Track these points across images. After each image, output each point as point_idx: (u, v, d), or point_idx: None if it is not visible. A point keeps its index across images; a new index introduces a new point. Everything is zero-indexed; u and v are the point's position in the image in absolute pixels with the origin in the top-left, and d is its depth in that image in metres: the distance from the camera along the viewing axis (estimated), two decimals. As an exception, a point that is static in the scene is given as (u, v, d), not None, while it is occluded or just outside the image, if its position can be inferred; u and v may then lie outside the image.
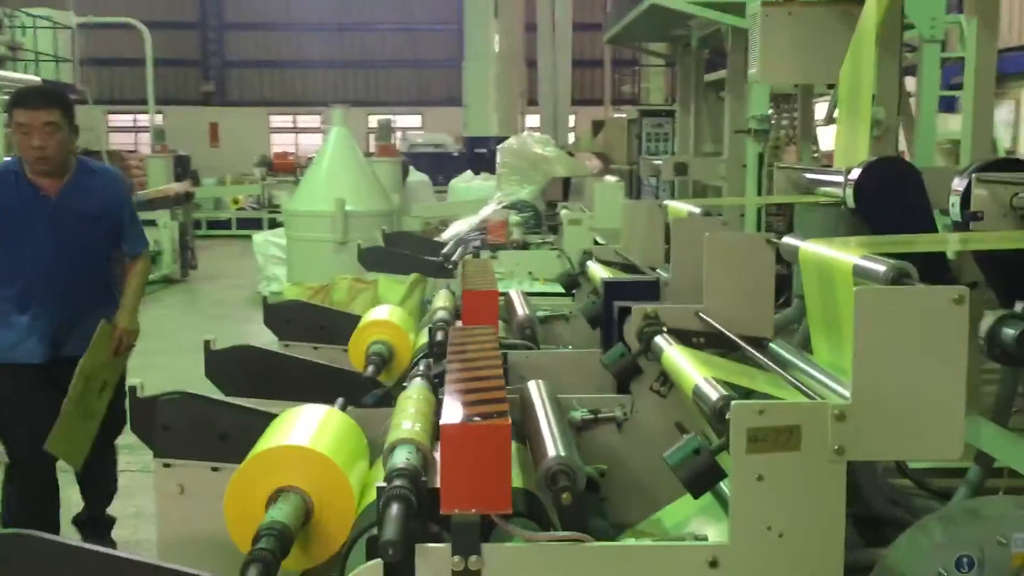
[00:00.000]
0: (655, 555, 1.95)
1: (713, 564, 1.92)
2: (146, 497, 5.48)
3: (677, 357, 2.61)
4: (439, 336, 3.67)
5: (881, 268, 2.13)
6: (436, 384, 2.88)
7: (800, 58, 4.49)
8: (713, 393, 2.17)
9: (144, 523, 5.11)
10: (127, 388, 3.11)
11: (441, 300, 4.39)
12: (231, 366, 3.89)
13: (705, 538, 2.06)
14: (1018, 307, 2.75)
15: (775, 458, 1.91)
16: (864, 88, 4.21)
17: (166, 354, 9.11)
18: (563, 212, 7.67)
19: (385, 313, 4.32)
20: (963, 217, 2.97)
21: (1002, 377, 3.25)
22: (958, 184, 3.03)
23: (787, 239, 2.77)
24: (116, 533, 4.92)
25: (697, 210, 4.02)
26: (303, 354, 4.41)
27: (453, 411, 2.00)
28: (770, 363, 2.52)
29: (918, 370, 1.89)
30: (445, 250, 7.77)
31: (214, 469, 3.07)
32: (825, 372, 2.46)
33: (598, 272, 4.33)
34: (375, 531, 2.09)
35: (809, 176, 4.57)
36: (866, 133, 4.16)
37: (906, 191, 3.80)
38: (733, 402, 1.92)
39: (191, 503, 3.07)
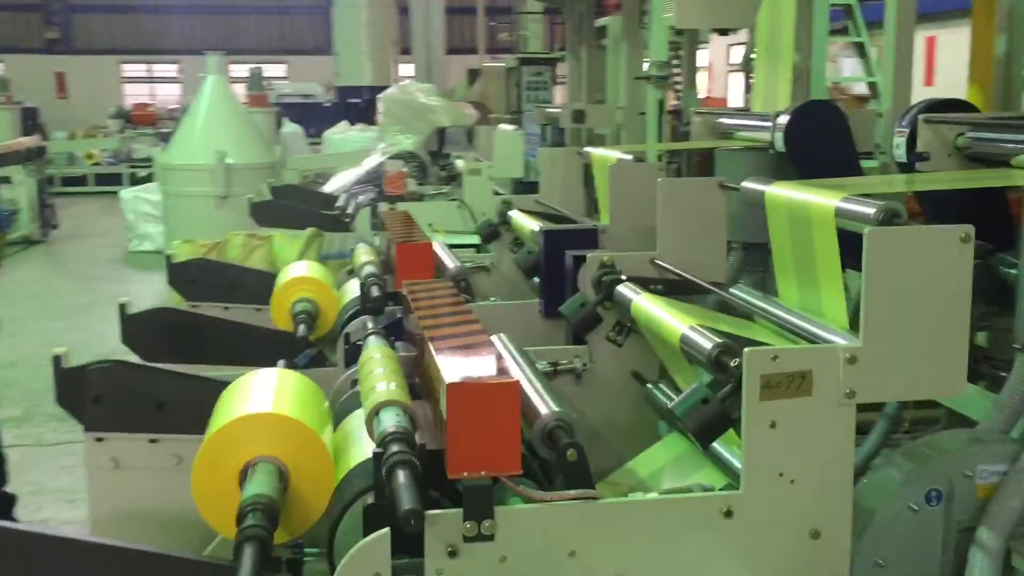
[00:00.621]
0: (670, 508, 1.91)
1: (728, 514, 1.89)
2: (43, 471, 5.17)
3: (649, 306, 2.56)
4: (374, 291, 3.53)
5: (870, 210, 2.12)
6: (391, 342, 2.76)
7: (716, 2, 4.48)
8: (706, 341, 2.13)
9: (47, 499, 4.80)
10: (52, 358, 2.86)
11: (364, 254, 4.23)
12: (150, 330, 3.65)
13: (712, 488, 2.03)
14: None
15: (787, 404, 1.89)
16: (784, 34, 4.23)
17: (39, 318, 8.58)
18: (460, 162, 7.54)
19: (305, 269, 4.13)
20: (909, 158, 3.01)
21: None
22: (904, 126, 3.06)
23: (750, 184, 2.75)
24: (19, 512, 4.60)
25: (628, 156, 3.98)
26: (213, 315, 4.19)
27: (454, 370, 1.90)
28: (754, 307, 2.51)
29: (926, 309, 1.89)
30: (339, 203, 7.55)
31: (152, 441, 2.88)
32: (798, 314, 2.46)
33: (526, 222, 4.25)
34: (369, 498, 1.98)
35: (730, 121, 4.60)
36: (787, 78, 4.19)
37: (833, 134, 3.85)
38: (747, 349, 1.88)
39: (126, 477, 2.87)
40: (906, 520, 2.36)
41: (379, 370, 2.41)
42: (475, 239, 6.38)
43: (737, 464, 2.21)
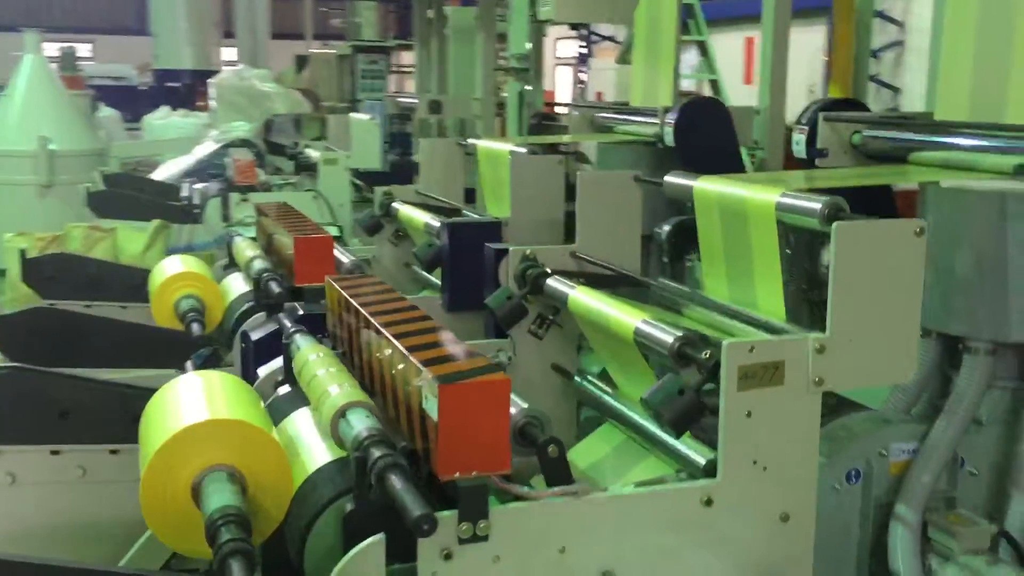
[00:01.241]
0: (654, 500, 1.94)
1: (708, 503, 1.94)
2: None
3: (589, 299, 2.59)
4: (274, 287, 3.40)
5: (816, 204, 2.22)
6: (319, 339, 2.67)
7: (594, -1, 4.56)
8: (665, 335, 2.17)
9: None
10: None
11: (248, 248, 4.07)
12: (25, 332, 3.38)
13: (694, 476, 2.08)
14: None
15: (762, 394, 1.96)
16: (665, 30, 4.36)
17: None
18: (315, 152, 7.35)
19: (185, 265, 3.92)
20: (809, 154, 3.17)
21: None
22: (803, 123, 3.21)
23: (674, 178, 2.82)
24: None
25: (522, 149, 3.99)
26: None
27: (437, 369, 1.85)
28: (684, 300, 2.57)
29: (885, 299, 2.00)
30: (184, 193, 7.20)
31: (54, 452, 2.67)
32: (728, 308, 2.54)
33: (416, 215, 4.20)
34: (345, 505, 1.92)
35: (611, 116, 4.69)
36: (669, 74, 4.32)
37: (720, 129, 4.00)
38: (726, 342, 1.94)
39: (25, 493, 2.65)
40: (829, 500, 2.50)
41: (323, 371, 2.33)
42: (333, 231, 6.26)
43: (683, 450, 2.28)
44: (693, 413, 1.99)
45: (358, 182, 7.20)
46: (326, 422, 2.08)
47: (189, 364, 3.00)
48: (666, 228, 3.99)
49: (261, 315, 3.47)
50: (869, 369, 2.03)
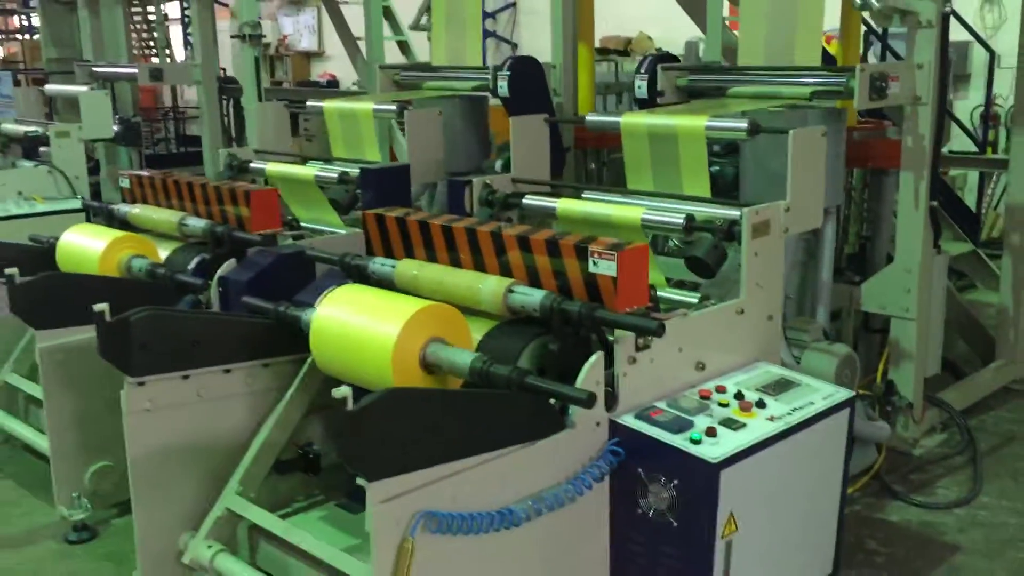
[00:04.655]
0: (718, 312, 3.06)
1: (740, 312, 3.11)
2: None
3: (574, 205, 3.60)
4: (240, 237, 3.94)
5: (743, 123, 3.44)
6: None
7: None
8: (672, 217, 3.29)
9: None
10: (93, 312, 2.94)
11: (167, 216, 4.37)
12: (40, 297, 3.60)
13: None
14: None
15: (760, 240, 3.15)
16: (468, 2, 5.32)
17: None
18: (50, 126, 7.19)
19: (103, 232, 4.20)
20: (650, 95, 4.37)
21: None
22: (643, 72, 4.40)
23: (596, 116, 3.90)
24: None
25: (392, 106, 4.78)
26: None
27: (597, 245, 2.80)
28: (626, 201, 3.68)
29: (811, 175, 3.29)
30: None
31: (184, 378, 3.15)
32: (654, 195, 3.67)
33: (294, 170, 4.80)
34: (547, 343, 2.80)
35: (423, 74, 5.57)
36: (477, 36, 5.33)
37: (538, 82, 5.08)
38: (745, 208, 3.09)
39: (159, 418, 3.12)
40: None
41: (442, 272, 3.12)
42: (76, 203, 6.47)
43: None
44: (723, 258, 3.15)
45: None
46: (491, 299, 2.91)
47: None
48: (498, 164, 5.05)
49: (231, 261, 3.96)
50: (808, 218, 3.32)
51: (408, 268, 3.22)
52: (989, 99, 8.00)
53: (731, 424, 2.76)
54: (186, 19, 15.91)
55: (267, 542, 3.24)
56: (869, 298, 4.29)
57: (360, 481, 2.28)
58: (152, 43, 11.89)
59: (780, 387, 3.01)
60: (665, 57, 4.54)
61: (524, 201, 3.79)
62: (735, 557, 2.71)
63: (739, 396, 2.91)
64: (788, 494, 2.90)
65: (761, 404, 2.88)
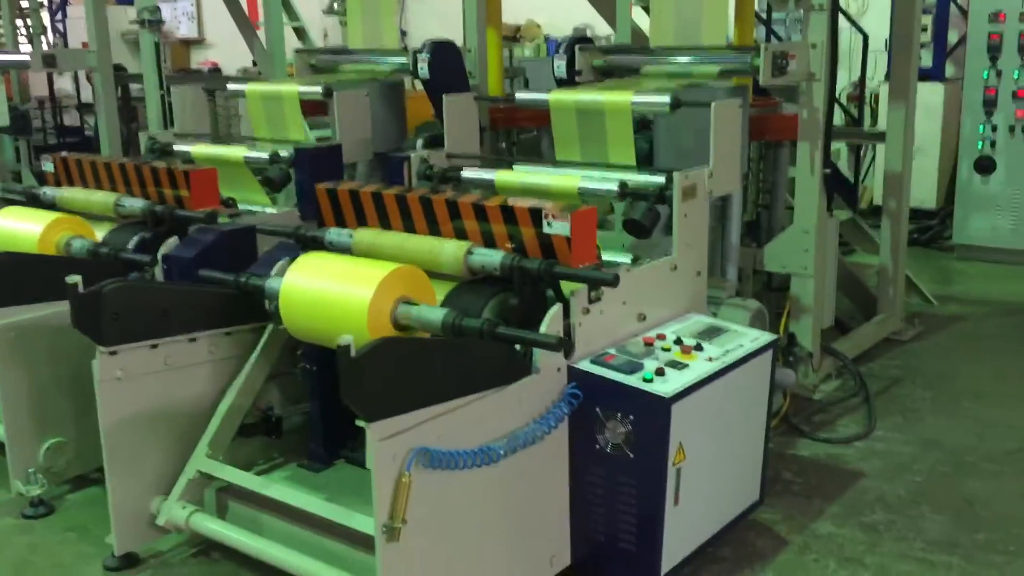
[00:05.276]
0: (654, 269, 3.37)
1: (674, 268, 3.44)
2: None
3: (509, 177, 3.86)
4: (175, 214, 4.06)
5: (664, 98, 3.76)
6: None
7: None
8: (607, 184, 3.59)
9: None
10: (68, 285, 3.03)
11: (101, 197, 4.41)
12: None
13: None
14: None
15: (688, 203, 3.48)
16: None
17: None
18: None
19: (38, 215, 4.24)
20: (569, 75, 4.66)
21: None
22: (562, 53, 4.68)
23: (525, 95, 4.17)
24: None
25: (317, 88, 4.93)
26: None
27: (552, 208, 3.06)
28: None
29: (730, 143, 3.64)
30: None
31: (153, 347, 3.28)
32: (582, 165, 3.98)
33: (222, 151, 4.91)
34: (509, 298, 3.06)
35: (339, 57, 5.72)
36: (392, 22, 5.53)
37: (457, 65, 5.31)
38: (675, 173, 3.42)
39: (130, 386, 3.24)
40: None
41: (398, 238, 3.33)
42: None
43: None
44: (656, 219, 3.47)
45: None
46: (451, 261, 3.15)
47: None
48: (419, 142, 5.26)
49: (173, 239, 4.06)
50: (728, 182, 3.68)
51: (365, 237, 3.42)
52: (863, 78, 8.64)
53: (675, 365, 3.08)
54: (53, 5, 15.48)
55: (236, 501, 3.41)
56: (771, 258, 4.70)
57: (360, 422, 2.49)
58: (28, 30, 11.55)
59: (712, 333, 3.36)
60: (581, 39, 4.84)
61: (463, 174, 4.02)
62: (683, 484, 3.03)
63: (678, 342, 3.23)
64: (725, 427, 3.24)
65: (699, 347, 3.21)
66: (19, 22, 11.99)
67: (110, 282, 3.13)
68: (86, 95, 12.23)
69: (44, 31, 9.81)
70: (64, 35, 15.48)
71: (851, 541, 3.46)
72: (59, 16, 15.75)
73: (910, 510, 3.67)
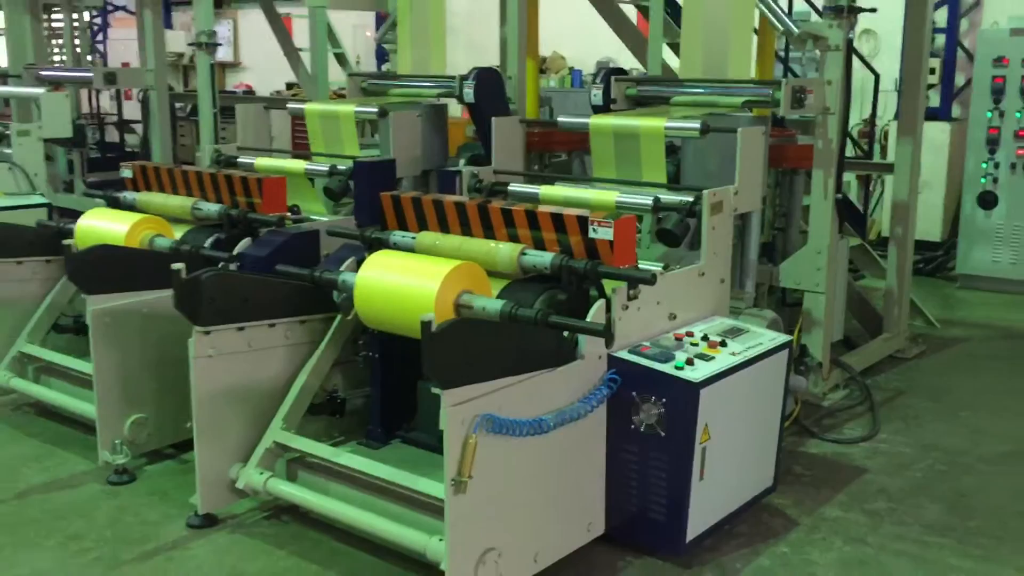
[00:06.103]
0: (686, 275, 3.80)
1: (701, 274, 3.86)
2: None
3: (557, 191, 4.29)
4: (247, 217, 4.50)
5: (695, 124, 4.20)
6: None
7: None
8: (643, 199, 4.02)
9: None
10: (171, 272, 3.46)
11: (179, 201, 4.85)
12: (91, 267, 4.08)
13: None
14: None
15: (716, 217, 3.91)
16: (433, 11, 5.98)
17: None
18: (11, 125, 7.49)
19: (123, 216, 4.69)
20: (605, 102, 5.11)
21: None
22: (599, 83, 5.13)
23: (567, 118, 4.61)
24: None
25: (373, 109, 5.39)
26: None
27: (595, 215, 3.49)
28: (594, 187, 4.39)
29: (753, 165, 4.07)
30: None
31: (240, 329, 3.71)
32: (618, 183, 4.41)
33: (285, 163, 5.35)
34: (557, 295, 3.48)
35: (390, 83, 6.18)
36: (441, 47, 5.99)
37: (499, 89, 5.76)
38: (705, 190, 3.85)
39: (219, 363, 3.66)
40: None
41: (457, 241, 3.76)
42: (38, 198, 6.86)
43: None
44: (687, 231, 3.90)
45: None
46: (506, 261, 3.57)
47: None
48: (462, 160, 5.71)
49: (247, 240, 4.51)
50: (751, 200, 4.11)
51: (426, 239, 3.85)
52: (874, 114, 9.12)
53: (703, 357, 3.49)
54: (94, 27, 16.07)
55: (305, 470, 3.82)
56: (786, 276, 5.11)
57: (435, 389, 2.91)
58: (76, 49, 12.09)
59: (735, 332, 3.77)
60: (616, 70, 5.30)
61: (510, 188, 4.46)
62: (707, 461, 3.43)
63: (705, 338, 3.65)
64: (744, 413, 3.65)
65: (723, 344, 3.62)
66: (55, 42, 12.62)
67: (207, 270, 3.57)
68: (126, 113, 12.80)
69: (94, 52, 10.32)
70: (104, 56, 16.07)
71: (855, 524, 3.85)
72: (100, 37, 16.36)
73: (909, 500, 4.06)
